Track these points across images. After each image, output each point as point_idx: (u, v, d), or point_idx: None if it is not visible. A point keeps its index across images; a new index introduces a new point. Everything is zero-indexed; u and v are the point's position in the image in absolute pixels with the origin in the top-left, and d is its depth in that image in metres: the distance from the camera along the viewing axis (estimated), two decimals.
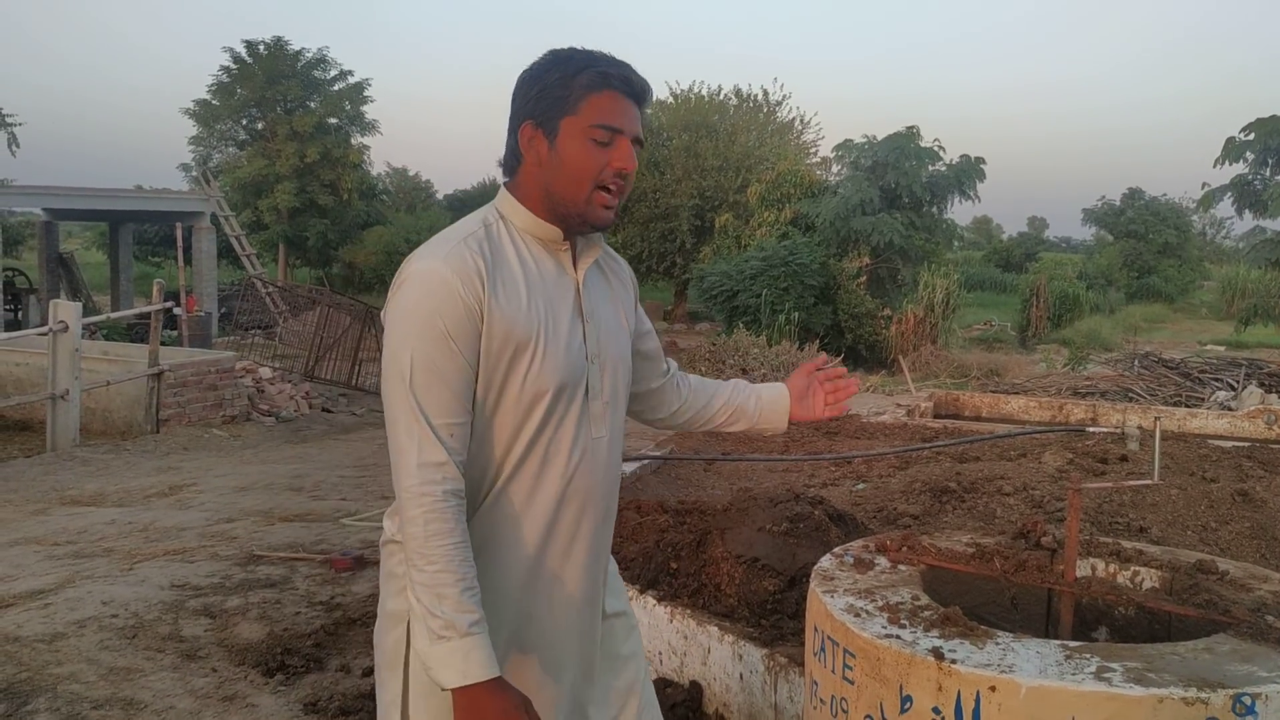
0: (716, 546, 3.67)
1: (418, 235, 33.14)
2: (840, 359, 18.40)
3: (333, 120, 31.42)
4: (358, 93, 31.85)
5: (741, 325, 19.12)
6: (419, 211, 39.57)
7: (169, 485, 7.94)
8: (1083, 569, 2.55)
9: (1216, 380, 14.20)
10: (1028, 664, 1.89)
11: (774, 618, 3.51)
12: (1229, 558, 3.62)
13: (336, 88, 31.55)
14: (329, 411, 12.58)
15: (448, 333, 1.64)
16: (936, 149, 22.16)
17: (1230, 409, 10.13)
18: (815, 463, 6.09)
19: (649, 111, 1.81)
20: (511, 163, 1.80)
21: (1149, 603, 2.34)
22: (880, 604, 2.21)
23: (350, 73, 31.75)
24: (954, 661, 1.91)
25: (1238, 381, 13.67)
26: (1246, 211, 12.37)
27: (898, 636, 2.03)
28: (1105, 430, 6.69)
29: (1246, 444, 6.68)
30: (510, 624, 1.78)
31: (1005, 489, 5.31)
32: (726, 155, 27.84)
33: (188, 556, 5.66)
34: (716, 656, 3.38)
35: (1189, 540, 4.41)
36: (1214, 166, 12.19)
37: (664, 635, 3.58)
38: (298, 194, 29.97)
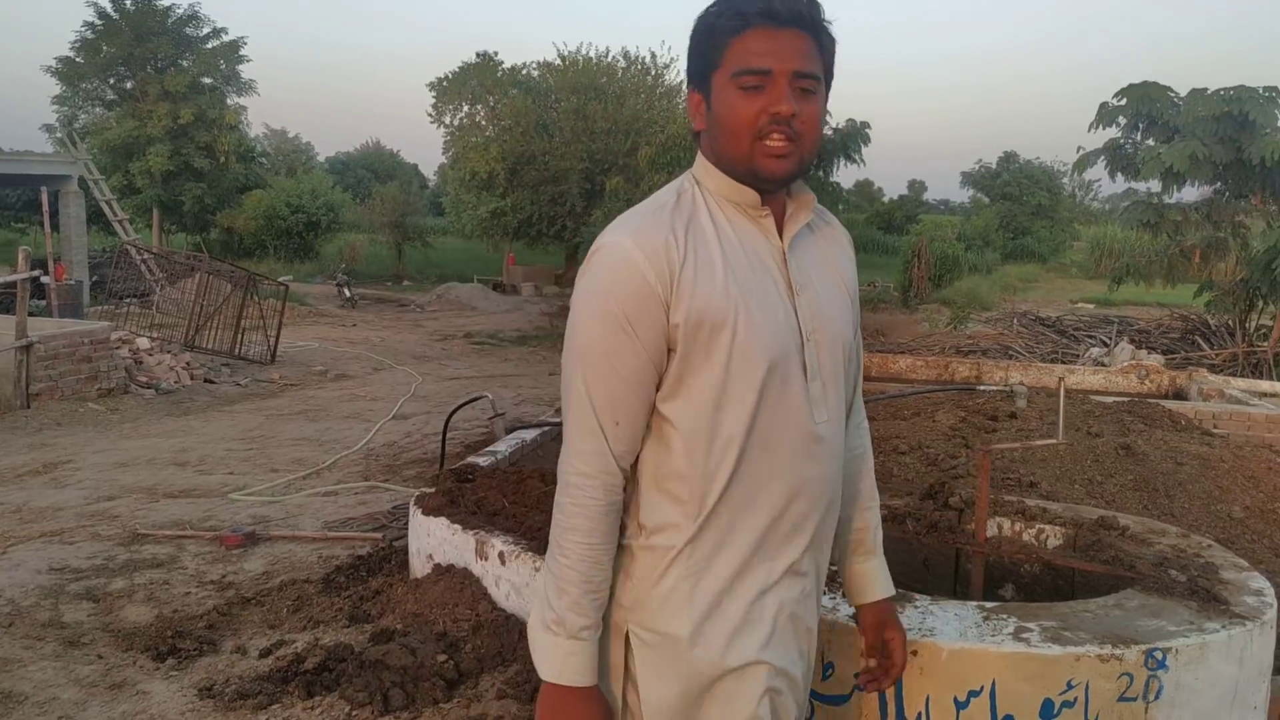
0: None
1: (298, 199, 32.38)
2: None
3: (207, 80, 30.18)
4: (233, 51, 30.62)
5: None
6: (299, 174, 38.40)
7: (43, 463, 7.58)
8: (990, 528, 2.59)
9: (1090, 337, 14.76)
10: (947, 627, 1.90)
11: None
12: (1115, 509, 3.75)
13: (210, 45, 30.29)
14: (211, 382, 12.15)
15: (626, 319, 1.53)
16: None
17: (1104, 365, 10.52)
18: None
19: (829, 34, 1.60)
20: (697, 130, 1.69)
21: (1059, 561, 2.38)
22: None
23: (224, 30, 30.54)
24: None
25: (1110, 338, 14.23)
26: (1119, 174, 12.77)
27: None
28: (995, 388, 6.88)
29: (1124, 399, 6.95)
30: (736, 611, 1.62)
31: (901, 448, 5.42)
32: (615, 118, 27.58)
33: (66, 537, 5.41)
34: None
35: (1077, 494, 4.56)
36: (1088, 131, 12.48)
37: None
38: (171, 157, 28.76)
